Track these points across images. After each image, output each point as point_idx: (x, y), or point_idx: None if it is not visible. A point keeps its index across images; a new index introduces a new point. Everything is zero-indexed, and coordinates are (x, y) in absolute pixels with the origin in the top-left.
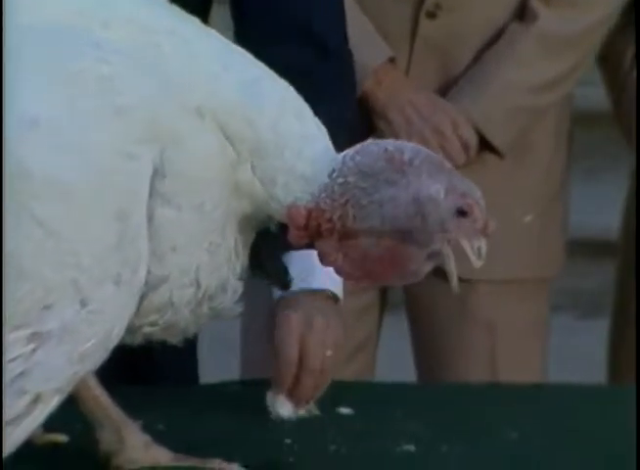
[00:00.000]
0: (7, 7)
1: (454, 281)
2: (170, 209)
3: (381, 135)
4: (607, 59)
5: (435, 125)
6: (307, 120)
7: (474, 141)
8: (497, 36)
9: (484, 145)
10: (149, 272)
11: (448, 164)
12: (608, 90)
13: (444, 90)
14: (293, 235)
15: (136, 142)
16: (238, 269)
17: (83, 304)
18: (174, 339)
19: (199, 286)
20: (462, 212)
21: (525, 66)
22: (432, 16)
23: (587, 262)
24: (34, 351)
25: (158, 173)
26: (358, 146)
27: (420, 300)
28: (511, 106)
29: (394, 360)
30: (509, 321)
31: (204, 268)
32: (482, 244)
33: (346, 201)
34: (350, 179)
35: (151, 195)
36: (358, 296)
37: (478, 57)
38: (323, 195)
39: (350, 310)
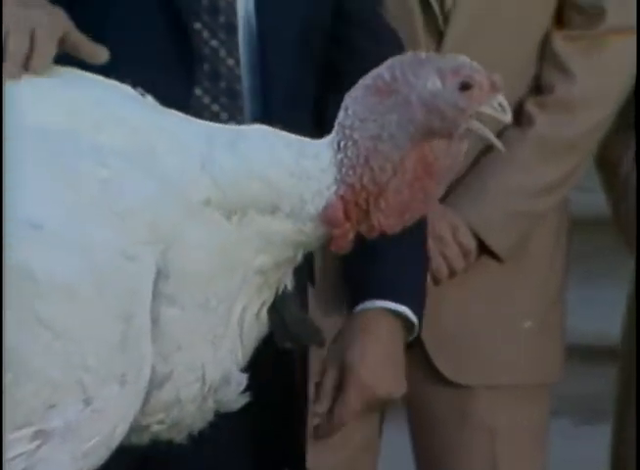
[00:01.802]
0: (5, 113)
1: (496, 142)
2: (175, 308)
3: None
4: (605, 164)
5: (435, 231)
6: (292, 138)
7: (473, 246)
8: None
9: (484, 250)
10: (154, 371)
11: (422, 54)
12: (607, 195)
13: (443, 196)
14: (338, 237)
15: (138, 243)
16: (240, 358)
17: (87, 402)
18: (180, 436)
19: (204, 381)
20: (466, 86)
21: (523, 170)
22: None
23: (586, 367)
24: (39, 447)
25: (161, 274)
26: (342, 105)
27: (421, 404)
28: (509, 210)
29: (396, 463)
30: (509, 426)
31: (209, 363)
32: (500, 99)
33: (366, 157)
34: (356, 136)
35: (155, 296)
36: None
37: (476, 162)
38: (344, 170)
39: None
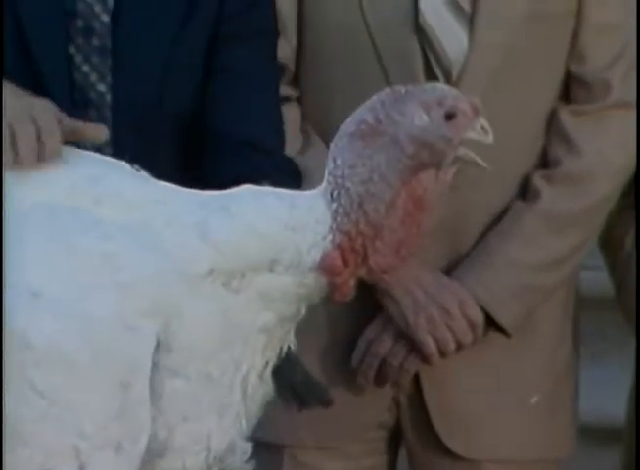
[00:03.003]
0: (6, 190)
1: (481, 162)
2: (180, 380)
3: (387, 312)
4: (608, 244)
5: (442, 304)
6: (282, 192)
7: (480, 319)
8: (502, 214)
9: (491, 324)
10: (157, 440)
11: (402, 88)
12: (610, 275)
13: (450, 269)
14: (339, 286)
15: (138, 315)
16: (244, 426)
17: (82, 468)
18: None
19: (210, 451)
20: (450, 116)
21: (530, 244)
22: None
23: (593, 448)
24: None
25: (164, 348)
26: (329, 155)
27: None
28: (517, 284)
29: None
30: None
31: (214, 432)
32: (482, 121)
33: (359, 203)
34: (348, 183)
35: (159, 369)
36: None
37: (483, 235)
38: (338, 219)
39: None
